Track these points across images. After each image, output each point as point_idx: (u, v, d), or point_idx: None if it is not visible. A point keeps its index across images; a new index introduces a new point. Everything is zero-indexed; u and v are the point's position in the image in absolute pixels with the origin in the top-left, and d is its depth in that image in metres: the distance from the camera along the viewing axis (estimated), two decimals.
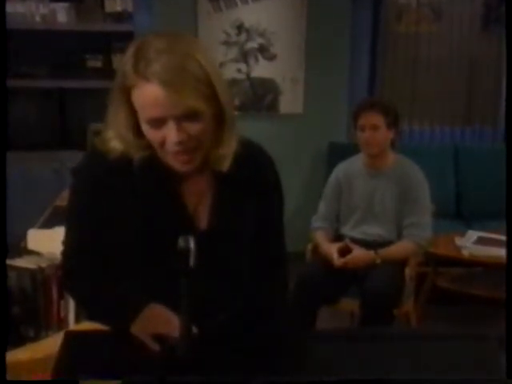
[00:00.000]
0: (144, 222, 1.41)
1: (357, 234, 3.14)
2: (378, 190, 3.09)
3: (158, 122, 1.30)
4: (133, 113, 1.33)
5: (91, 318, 1.53)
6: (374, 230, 3.11)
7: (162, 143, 1.32)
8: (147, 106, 1.29)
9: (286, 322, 1.61)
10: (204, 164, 1.40)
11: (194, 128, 1.31)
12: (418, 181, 3.08)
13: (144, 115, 1.31)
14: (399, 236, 3.08)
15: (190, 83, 1.27)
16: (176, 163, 1.35)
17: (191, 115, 1.29)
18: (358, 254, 2.98)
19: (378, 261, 2.96)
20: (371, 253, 2.98)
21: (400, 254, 3.02)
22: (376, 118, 3.00)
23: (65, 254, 1.51)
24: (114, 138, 1.38)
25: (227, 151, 1.39)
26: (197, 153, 1.34)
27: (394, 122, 3.04)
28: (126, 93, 1.32)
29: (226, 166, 1.41)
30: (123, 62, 1.32)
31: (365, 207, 3.12)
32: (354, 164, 3.19)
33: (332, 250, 3.02)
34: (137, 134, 1.35)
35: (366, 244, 3.05)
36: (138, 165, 1.39)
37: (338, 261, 2.97)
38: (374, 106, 3.03)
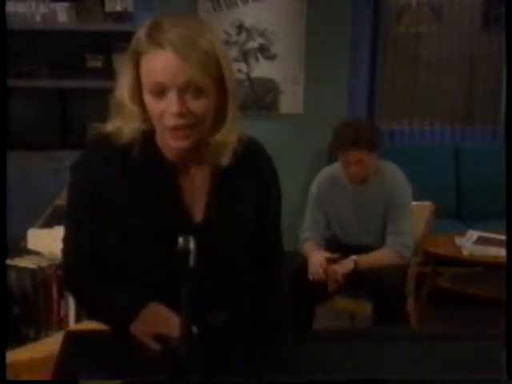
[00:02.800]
0: (142, 216, 1.41)
1: (350, 240, 3.13)
2: (363, 200, 3.07)
3: (161, 91, 1.30)
4: (138, 82, 1.34)
5: (91, 317, 1.53)
6: (364, 238, 3.10)
7: (161, 115, 1.32)
8: (155, 71, 1.30)
9: (285, 320, 1.61)
10: (202, 154, 1.40)
11: (195, 104, 1.31)
12: (399, 188, 3.04)
13: (149, 80, 1.31)
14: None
15: (199, 57, 1.28)
16: (171, 139, 1.34)
17: (195, 89, 1.30)
18: (336, 267, 2.95)
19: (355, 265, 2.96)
20: (349, 263, 2.96)
21: (379, 262, 2.98)
22: (360, 154, 2.94)
23: (64, 252, 1.51)
24: (114, 117, 1.38)
25: (226, 139, 1.39)
26: (194, 131, 1.34)
27: (376, 144, 2.99)
28: (136, 59, 1.33)
29: (225, 160, 1.41)
30: (138, 32, 1.34)
31: (352, 217, 3.10)
32: (337, 174, 3.12)
33: (315, 260, 2.98)
34: (138, 105, 1.36)
35: (361, 249, 3.03)
36: (136, 159, 1.39)
37: (316, 273, 2.95)
38: (357, 142, 2.91)
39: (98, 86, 3.85)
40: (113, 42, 4.10)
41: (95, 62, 4.21)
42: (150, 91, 1.31)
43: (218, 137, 1.38)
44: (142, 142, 1.40)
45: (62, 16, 4.11)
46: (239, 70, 4.54)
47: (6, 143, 1.77)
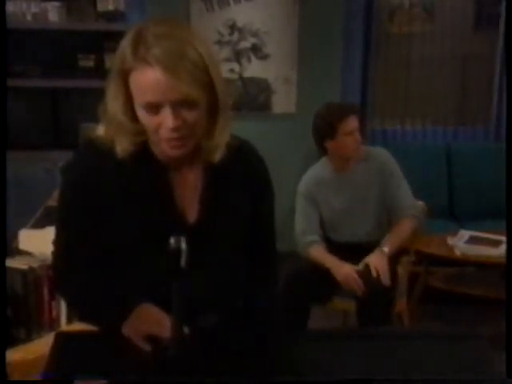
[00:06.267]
0: (134, 217, 1.40)
1: (342, 237, 3.12)
2: (355, 184, 3.07)
3: (155, 107, 1.30)
4: (129, 97, 1.33)
5: (82, 318, 1.52)
6: (359, 230, 3.08)
7: (157, 129, 1.32)
8: (145, 90, 1.29)
9: (277, 320, 1.60)
10: (195, 155, 1.41)
11: (189, 115, 1.31)
12: (389, 160, 3.06)
13: (141, 99, 1.30)
14: (384, 226, 3.06)
15: (188, 70, 1.27)
16: (168, 148, 1.36)
17: (188, 102, 1.29)
18: (373, 262, 2.88)
19: (387, 249, 2.92)
20: (383, 258, 2.89)
21: (405, 236, 2.99)
22: (357, 121, 3.01)
23: (55, 254, 1.50)
24: (107, 128, 1.38)
25: (219, 142, 1.40)
26: (190, 140, 1.35)
27: None
28: (124, 76, 1.32)
29: (217, 157, 1.41)
30: (122, 46, 1.32)
31: (346, 211, 3.08)
32: (323, 171, 3.13)
33: (350, 271, 2.89)
34: (132, 119, 1.35)
35: (352, 245, 3.03)
36: (128, 159, 1.39)
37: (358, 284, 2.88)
38: (353, 109, 3.05)
39: (91, 86, 3.84)
40: (105, 41, 4.08)
41: (87, 62, 4.20)
42: (143, 108, 1.31)
43: (211, 139, 1.39)
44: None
45: (53, 15, 4.09)
46: (232, 70, 4.54)
47: (7, 143, 1.76)
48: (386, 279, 2.84)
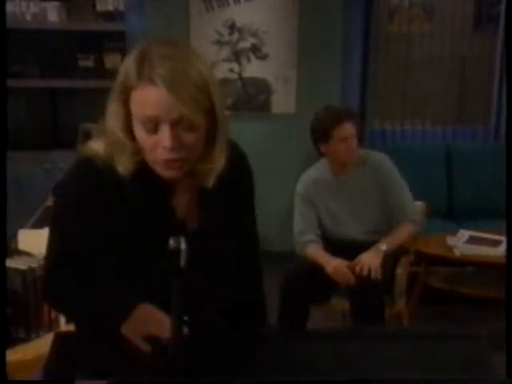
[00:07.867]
0: (133, 226, 1.40)
1: (339, 237, 3.12)
2: (352, 187, 3.08)
3: (153, 125, 1.29)
4: (128, 115, 1.33)
5: (79, 323, 1.51)
6: (357, 231, 3.09)
7: (154, 149, 1.32)
8: (146, 106, 1.28)
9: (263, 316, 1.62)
10: (190, 175, 1.40)
11: (187, 137, 1.31)
12: (387, 164, 3.08)
13: (141, 114, 1.30)
14: (382, 228, 3.07)
15: (191, 92, 1.27)
16: (163, 170, 1.35)
17: (187, 123, 1.29)
18: (365, 259, 2.89)
19: (384, 247, 2.94)
20: (379, 255, 2.91)
21: (403, 239, 3.03)
22: (353, 127, 3.02)
23: (48, 263, 1.49)
24: (104, 145, 1.38)
25: (214, 166, 1.39)
26: (185, 163, 1.35)
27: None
28: (126, 93, 1.31)
29: (209, 182, 1.41)
30: (126, 64, 1.32)
31: (343, 213, 3.10)
32: (321, 172, 3.16)
33: (339, 264, 2.92)
34: (130, 138, 1.34)
35: (350, 245, 3.03)
36: (127, 176, 1.38)
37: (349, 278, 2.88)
38: (350, 116, 3.05)
39: (89, 86, 3.84)
40: (104, 41, 4.08)
41: (86, 62, 4.19)
42: (142, 125, 1.30)
43: (207, 163, 1.39)
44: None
45: (53, 15, 4.08)
46: (231, 70, 4.54)
47: (7, 143, 1.77)
48: (376, 274, 2.84)
